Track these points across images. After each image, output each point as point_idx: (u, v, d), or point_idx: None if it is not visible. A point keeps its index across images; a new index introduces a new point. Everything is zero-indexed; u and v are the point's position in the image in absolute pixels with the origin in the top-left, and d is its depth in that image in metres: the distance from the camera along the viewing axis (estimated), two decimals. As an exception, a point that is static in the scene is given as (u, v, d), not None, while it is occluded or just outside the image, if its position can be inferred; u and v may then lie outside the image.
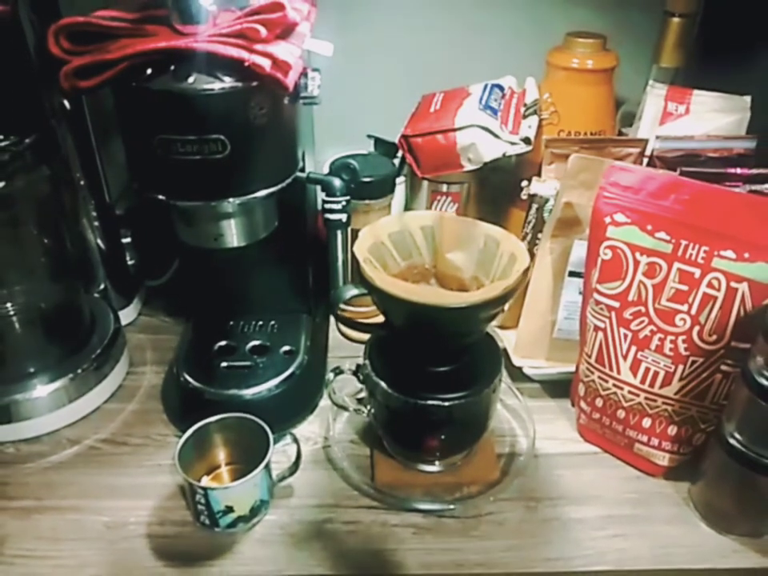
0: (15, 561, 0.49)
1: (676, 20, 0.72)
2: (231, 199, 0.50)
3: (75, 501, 0.54)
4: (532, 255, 0.65)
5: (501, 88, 0.76)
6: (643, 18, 0.78)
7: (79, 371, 0.62)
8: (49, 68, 0.55)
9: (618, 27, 0.76)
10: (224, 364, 0.62)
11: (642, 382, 0.55)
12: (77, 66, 0.45)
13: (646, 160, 0.65)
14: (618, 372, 0.56)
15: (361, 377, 0.55)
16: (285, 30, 0.48)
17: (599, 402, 0.58)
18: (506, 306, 0.68)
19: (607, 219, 0.54)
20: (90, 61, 0.45)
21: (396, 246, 0.52)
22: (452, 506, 0.53)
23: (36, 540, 0.51)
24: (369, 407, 0.56)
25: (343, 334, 0.73)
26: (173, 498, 0.54)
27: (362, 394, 0.57)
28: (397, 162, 0.75)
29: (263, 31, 0.45)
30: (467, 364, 0.52)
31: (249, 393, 0.59)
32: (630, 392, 0.55)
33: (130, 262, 0.77)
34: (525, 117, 0.72)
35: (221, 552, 0.50)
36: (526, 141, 0.69)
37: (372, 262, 0.48)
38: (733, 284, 0.49)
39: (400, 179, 0.76)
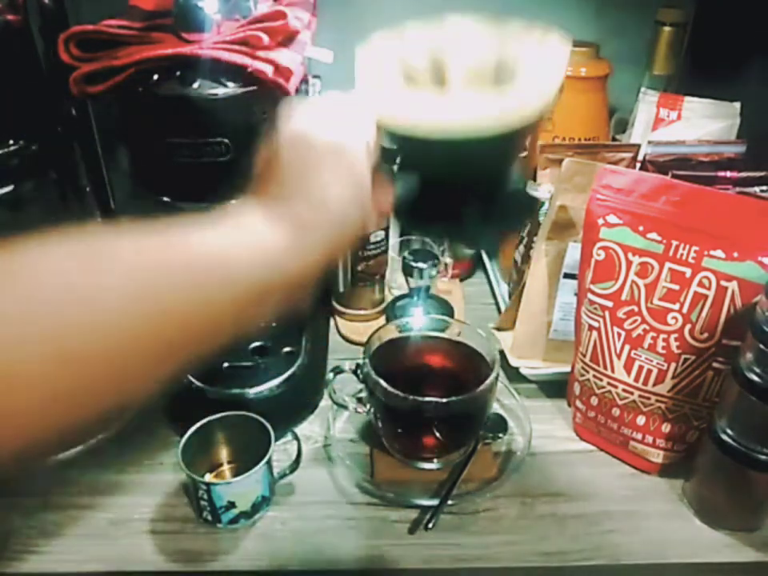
0: (21, 556, 0.50)
1: (667, 29, 0.74)
2: (234, 201, 0.52)
3: (80, 498, 0.55)
4: (528, 258, 0.66)
5: (497, 95, 0.78)
6: (635, 28, 0.80)
7: (84, 372, 0.63)
8: (56, 76, 0.57)
9: (611, 36, 0.78)
10: (226, 364, 0.63)
11: (636, 380, 0.56)
12: (86, 72, 0.46)
13: (638, 165, 0.66)
14: (612, 370, 0.57)
15: (360, 375, 0.56)
16: (286, 38, 0.50)
17: (594, 401, 0.59)
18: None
19: (600, 221, 0.55)
20: (98, 67, 0.46)
21: (400, 72, 0.41)
22: (450, 503, 0.54)
23: (41, 536, 0.52)
24: (368, 406, 0.57)
25: (343, 336, 0.74)
26: (175, 495, 0.55)
27: (362, 394, 0.58)
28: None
29: (266, 39, 0.46)
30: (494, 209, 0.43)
31: (251, 392, 0.60)
32: (624, 390, 0.56)
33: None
34: (520, 123, 0.74)
35: (223, 548, 0.51)
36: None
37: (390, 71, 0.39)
38: (723, 283, 0.50)
39: (399, 185, 0.78)
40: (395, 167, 0.42)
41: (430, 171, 0.40)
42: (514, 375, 0.66)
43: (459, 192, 0.42)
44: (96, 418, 0.26)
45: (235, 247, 0.30)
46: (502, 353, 0.63)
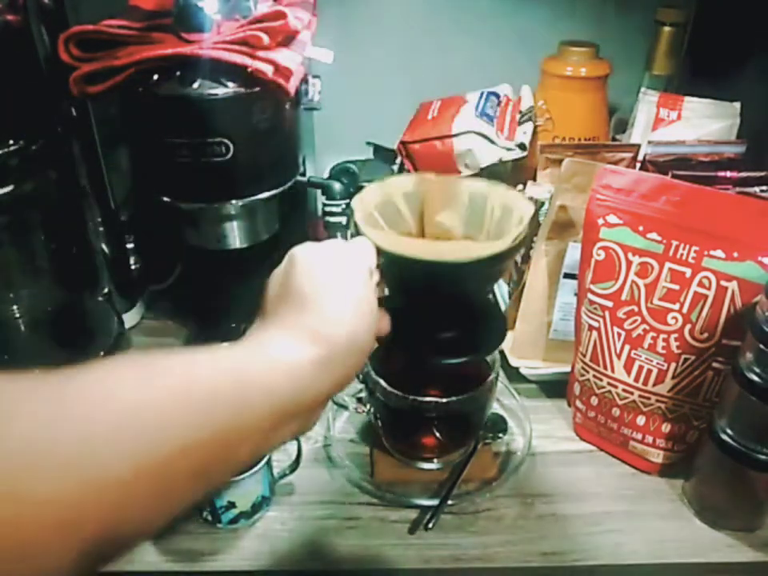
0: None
1: (667, 29, 0.74)
2: (234, 201, 0.52)
3: (80, 498, 0.55)
4: (528, 258, 0.66)
5: (497, 95, 0.78)
6: (635, 28, 0.80)
7: (83, 372, 0.63)
8: (57, 76, 0.57)
9: (610, 36, 0.78)
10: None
11: (636, 380, 0.56)
12: (86, 72, 0.46)
13: (638, 165, 0.66)
14: (612, 370, 0.57)
15: (360, 375, 0.56)
16: (286, 38, 0.50)
17: (594, 401, 0.59)
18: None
19: (600, 221, 0.55)
20: (98, 67, 0.46)
21: (383, 215, 0.47)
22: (450, 503, 0.54)
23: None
24: (369, 406, 0.57)
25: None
26: (176, 495, 0.55)
27: (362, 393, 0.58)
28: (396, 168, 0.77)
29: (266, 39, 0.46)
30: (471, 329, 0.50)
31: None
32: (624, 390, 0.56)
33: (133, 266, 0.79)
34: (520, 123, 0.74)
35: (222, 547, 0.51)
36: (522, 147, 0.71)
37: (376, 218, 0.46)
38: (723, 283, 0.50)
39: (399, 185, 0.78)
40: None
41: (415, 297, 0.46)
42: (514, 375, 0.66)
43: (439, 316, 0.48)
44: (137, 538, 0.26)
45: (259, 364, 0.30)
46: (502, 353, 0.63)
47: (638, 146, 0.66)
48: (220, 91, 0.47)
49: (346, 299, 0.34)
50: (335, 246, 0.38)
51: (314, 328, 0.32)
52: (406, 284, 0.45)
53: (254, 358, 0.30)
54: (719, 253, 0.50)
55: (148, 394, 0.26)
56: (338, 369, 0.33)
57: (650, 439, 0.57)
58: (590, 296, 0.57)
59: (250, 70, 0.46)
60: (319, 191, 0.60)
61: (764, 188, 0.60)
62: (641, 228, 0.53)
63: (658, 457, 0.57)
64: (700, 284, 0.51)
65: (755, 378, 0.47)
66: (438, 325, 0.48)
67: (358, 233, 0.43)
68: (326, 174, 0.69)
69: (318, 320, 0.32)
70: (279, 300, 0.34)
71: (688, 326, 0.52)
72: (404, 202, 0.48)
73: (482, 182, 0.48)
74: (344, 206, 0.59)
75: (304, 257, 0.36)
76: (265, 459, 0.51)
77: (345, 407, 0.59)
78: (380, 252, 0.40)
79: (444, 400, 0.52)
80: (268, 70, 0.46)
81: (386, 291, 0.46)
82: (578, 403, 0.61)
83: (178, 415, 0.26)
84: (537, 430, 0.61)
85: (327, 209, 0.59)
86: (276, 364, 0.30)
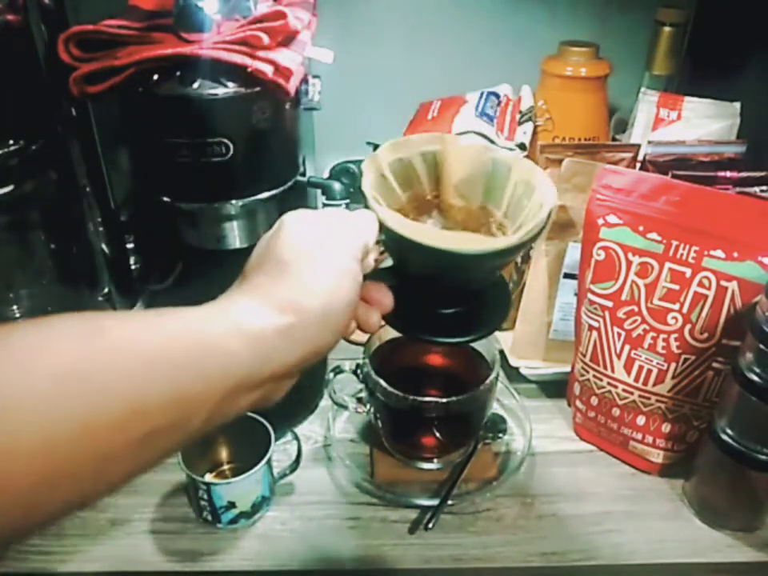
0: (21, 556, 0.50)
1: (667, 29, 0.74)
2: (234, 201, 0.52)
3: (80, 498, 0.55)
4: (528, 258, 0.66)
5: (497, 96, 0.78)
6: (635, 28, 0.80)
7: (84, 372, 0.63)
8: (57, 76, 0.57)
9: (610, 36, 0.78)
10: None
11: (636, 380, 0.56)
12: (86, 72, 0.46)
13: (638, 165, 0.66)
14: (612, 370, 0.57)
15: (360, 375, 0.56)
16: (286, 38, 0.50)
17: (594, 401, 0.59)
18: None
19: (600, 221, 0.55)
20: (98, 67, 0.46)
21: (396, 176, 0.44)
22: (450, 503, 0.54)
23: (41, 536, 0.51)
24: (368, 406, 0.57)
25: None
26: (175, 495, 0.55)
27: (362, 394, 0.58)
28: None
29: (266, 39, 0.46)
30: (475, 308, 0.46)
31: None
32: (624, 390, 0.56)
33: (133, 267, 0.79)
34: (520, 123, 0.74)
35: (223, 548, 0.51)
36: (522, 147, 0.70)
37: (379, 200, 0.41)
38: (723, 283, 0.50)
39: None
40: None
41: (417, 279, 0.42)
42: (514, 375, 0.66)
43: (441, 298, 0.44)
44: (79, 505, 0.26)
45: (217, 329, 0.29)
46: (501, 353, 0.63)
47: (638, 145, 0.66)
48: (220, 91, 0.47)
49: (327, 269, 0.32)
50: (330, 215, 0.35)
51: (286, 296, 0.30)
52: (408, 265, 0.42)
53: (212, 322, 0.29)
54: (719, 253, 0.50)
55: (93, 352, 0.25)
56: (309, 340, 0.31)
57: (650, 439, 0.57)
58: (590, 296, 0.57)
59: (249, 69, 0.46)
60: (319, 191, 0.60)
61: (764, 188, 0.60)
62: (641, 228, 0.53)
63: (658, 457, 0.57)
64: (700, 284, 0.51)
65: (755, 378, 0.47)
66: (439, 305, 0.45)
67: (365, 206, 0.39)
68: (325, 174, 0.69)
69: (292, 288, 0.31)
70: (258, 266, 0.32)
71: (688, 326, 0.52)
72: (421, 161, 0.44)
73: (508, 152, 0.46)
74: (344, 206, 0.59)
75: (293, 223, 0.34)
76: (265, 459, 0.51)
77: (345, 407, 0.59)
78: (383, 228, 0.38)
79: (444, 400, 0.52)
80: (268, 70, 0.46)
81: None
82: (578, 403, 0.61)
83: (126, 376, 0.25)
84: (537, 429, 0.61)
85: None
86: (236, 329, 0.29)
